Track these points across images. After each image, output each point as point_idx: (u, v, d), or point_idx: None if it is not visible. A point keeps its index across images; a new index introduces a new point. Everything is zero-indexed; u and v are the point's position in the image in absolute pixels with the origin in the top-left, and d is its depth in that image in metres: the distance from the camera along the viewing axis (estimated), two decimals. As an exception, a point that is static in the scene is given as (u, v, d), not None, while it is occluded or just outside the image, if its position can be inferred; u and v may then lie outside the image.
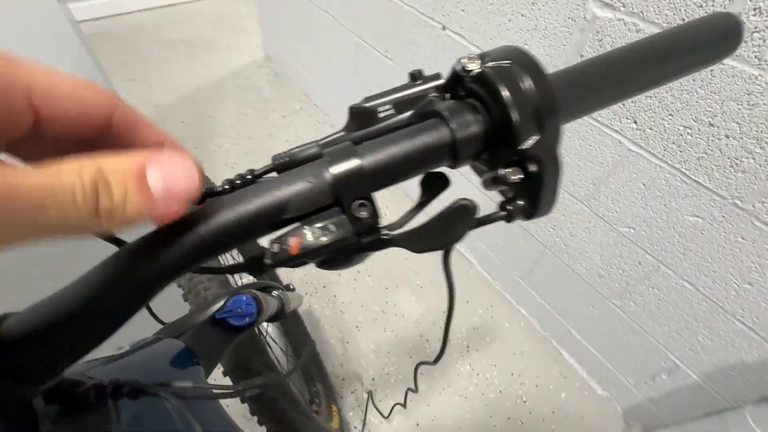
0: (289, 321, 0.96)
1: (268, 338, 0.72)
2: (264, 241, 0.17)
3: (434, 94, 0.19)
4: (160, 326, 0.36)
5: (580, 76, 0.19)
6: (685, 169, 0.67)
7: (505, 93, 0.16)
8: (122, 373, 0.20)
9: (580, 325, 1.06)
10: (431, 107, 0.17)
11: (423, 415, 1.02)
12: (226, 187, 0.19)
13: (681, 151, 0.66)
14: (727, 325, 0.73)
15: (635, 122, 0.70)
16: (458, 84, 0.18)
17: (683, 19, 0.58)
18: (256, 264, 0.17)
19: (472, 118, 0.17)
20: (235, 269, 0.19)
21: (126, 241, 0.17)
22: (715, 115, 0.60)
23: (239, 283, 0.82)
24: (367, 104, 0.19)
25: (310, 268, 1.29)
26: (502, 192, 0.19)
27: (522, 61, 0.16)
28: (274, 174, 0.19)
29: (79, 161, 0.11)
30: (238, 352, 0.49)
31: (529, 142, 0.16)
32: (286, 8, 1.65)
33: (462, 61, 0.17)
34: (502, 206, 0.18)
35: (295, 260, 0.16)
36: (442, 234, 0.17)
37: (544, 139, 0.16)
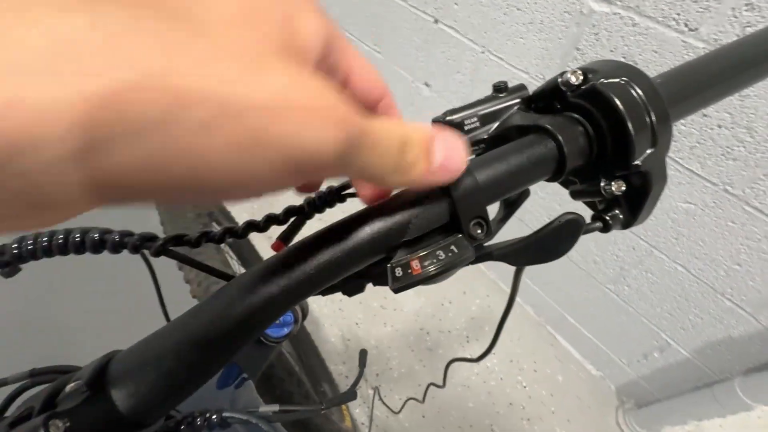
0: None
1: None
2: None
3: (519, 107, 0.19)
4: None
5: (683, 81, 0.19)
6: (679, 158, 0.70)
7: (621, 108, 0.16)
8: (208, 406, 0.19)
9: (574, 310, 1.10)
10: (534, 122, 0.17)
11: (428, 407, 1.03)
12: (307, 207, 0.18)
13: (675, 141, 0.69)
14: (716, 304, 0.77)
15: (630, 114, 0.72)
16: (555, 98, 0.18)
17: (678, 14, 0.60)
18: (359, 285, 0.17)
19: (579, 133, 0.17)
20: (353, 291, 0.18)
21: (233, 275, 0.16)
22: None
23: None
24: (453, 117, 0.18)
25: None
26: (600, 204, 0.19)
27: (633, 76, 0.17)
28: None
29: (394, 123, 0.13)
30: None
31: (644, 157, 0.16)
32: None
33: (566, 75, 0.17)
34: (598, 217, 0.19)
35: (418, 283, 0.15)
36: (550, 248, 0.17)
37: (657, 152, 0.16)
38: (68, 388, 0.13)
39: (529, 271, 0.97)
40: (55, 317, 0.90)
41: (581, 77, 0.17)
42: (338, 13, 1.26)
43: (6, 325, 0.83)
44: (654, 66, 0.65)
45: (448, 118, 0.18)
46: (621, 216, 0.19)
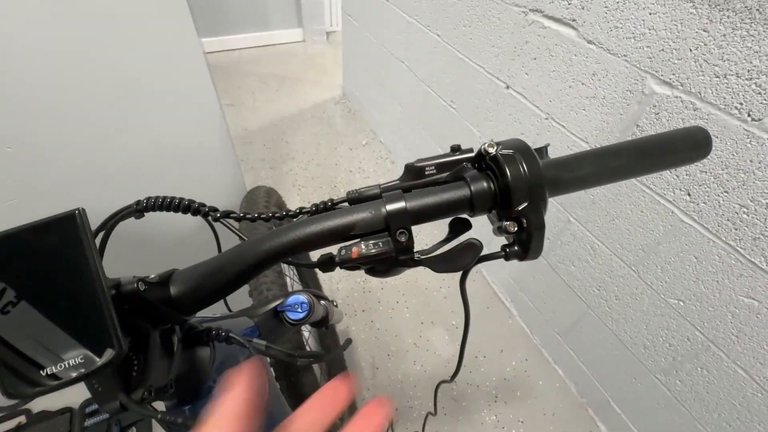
0: (328, 335, 1.03)
1: (307, 346, 0.79)
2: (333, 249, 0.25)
3: (466, 163, 0.26)
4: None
5: (566, 164, 0.25)
6: (740, 248, 0.66)
7: (509, 171, 0.22)
8: (223, 327, 0.28)
9: (620, 396, 1.00)
10: (461, 173, 0.24)
11: (441, 457, 1.01)
12: (314, 208, 0.27)
13: (736, 229, 0.65)
14: (785, 424, 0.67)
15: (689, 194, 0.70)
16: (482, 159, 0.25)
17: (741, 103, 0.60)
18: (328, 263, 0.25)
19: (486, 185, 0.24)
20: (313, 265, 0.26)
21: (245, 238, 0.25)
22: (773, 198, 0.60)
23: (293, 288, 0.92)
24: (418, 164, 0.26)
25: (353, 292, 1.36)
26: (507, 238, 0.25)
27: (523, 152, 0.23)
28: (346, 204, 0.27)
29: None
30: (286, 346, 0.56)
31: (522, 206, 0.22)
32: (367, 55, 1.85)
33: (484, 146, 0.24)
34: (503, 248, 0.24)
35: (353, 263, 0.23)
36: (455, 261, 0.24)
37: (531, 204, 0.22)
38: (150, 276, 0.23)
39: (575, 342, 0.98)
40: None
41: (495, 147, 0.24)
42: (424, 73, 1.41)
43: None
44: (715, 152, 0.65)
45: (416, 164, 0.26)
46: (517, 250, 0.24)
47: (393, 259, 0.23)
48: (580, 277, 1.00)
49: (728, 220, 0.66)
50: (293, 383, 0.57)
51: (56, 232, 0.19)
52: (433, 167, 0.26)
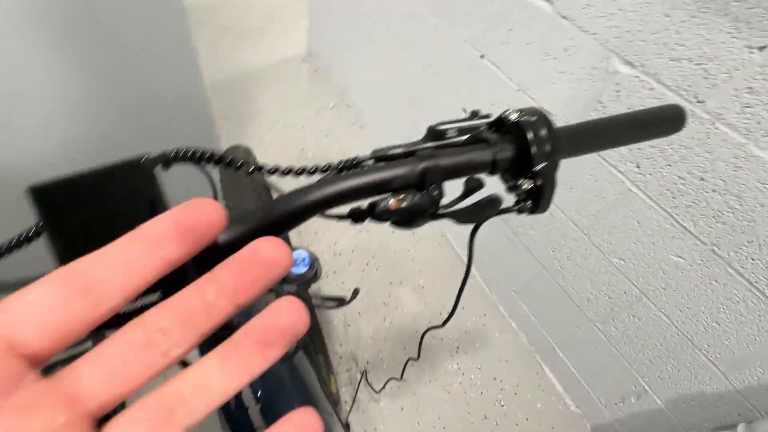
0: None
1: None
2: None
3: (485, 127, 0.29)
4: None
5: (576, 132, 0.30)
6: (675, 214, 0.76)
7: (530, 136, 0.26)
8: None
9: (563, 342, 1.14)
10: (482, 136, 0.27)
11: (408, 400, 1.11)
12: (341, 165, 0.29)
13: (674, 198, 0.75)
14: (693, 358, 0.82)
15: (638, 167, 0.79)
16: (503, 124, 0.28)
17: (689, 86, 0.68)
18: (359, 215, 0.27)
19: (508, 146, 0.27)
20: (345, 218, 0.28)
21: (282, 192, 0.27)
22: (706, 171, 0.69)
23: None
24: (440, 127, 0.29)
25: (323, 254, 1.38)
26: (518, 195, 0.29)
27: (543, 119, 0.27)
28: (371, 161, 0.29)
29: None
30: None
31: (540, 167, 0.26)
32: (336, 12, 1.77)
33: (507, 111, 0.27)
34: (517, 203, 0.28)
35: (392, 215, 0.26)
36: (478, 214, 0.27)
37: (548, 166, 0.26)
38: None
39: (529, 298, 1.08)
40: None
41: (517, 114, 0.27)
42: (399, 36, 1.39)
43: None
44: (663, 128, 0.73)
45: (438, 127, 0.29)
46: (529, 204, 0.28)
47: (424, 211, 0.26)
48: (537, 240, 1.10)
49: (668, 189, 0.76)
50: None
51: (126, 177, 0.19)
52: (456, 131, 0.29)
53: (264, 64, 2.09)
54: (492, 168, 0.27)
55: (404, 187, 0.26)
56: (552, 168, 0.26)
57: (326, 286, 1.31)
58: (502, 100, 1.06)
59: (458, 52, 1.14)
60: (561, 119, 0.91)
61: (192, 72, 0.73)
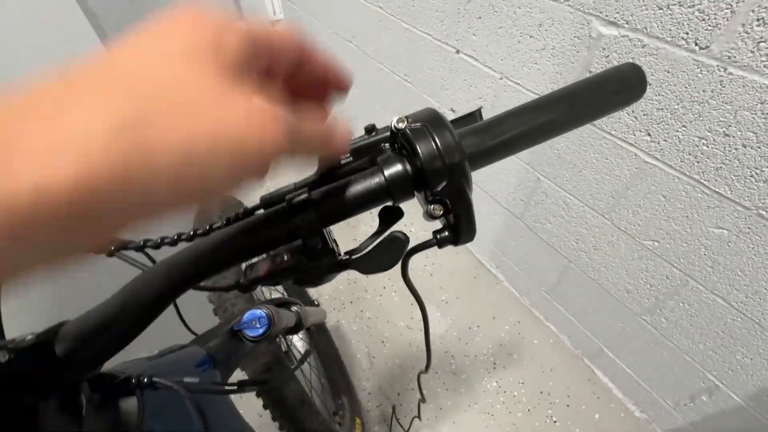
0: (316, 335, 1.01)
1: (293, 350, 0.77)
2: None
3: (384, 144, 0.23)
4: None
5: (488, 129, 0.22)
6: (705, 180, 0.65)
7: (418, 149, 0.19)
8: (148, 371, 0.25)
9: (611, 342, 1.02)
10: (375, 157, 0.21)
11: (447, 431, 1.02)
12: (225, 221, 0.24)
13: (698, 162, 0.65)
14: (766, 343, 0.68)
15: (649, 134, 0.69)
16: (395, 138, 0.22)
17: (687, 33, 0.58)
18: (238, 285, 0.22)
19: (400, 167, 0.20)
20: (222, 288, 0.23)
21: (142, 269, 0.22)
22: (730, 125, 0.59)
23: (272, 295, 0.88)
24: None
25: (338, 285, 1.34)
26: (440, 222, 0.22)
27: (434, 123, 0.20)
28: (262, 210, 0.24)
29: (311, 123, 0.17)
30: (261, 363, 0.54)
31: (440, 186, 0.19)
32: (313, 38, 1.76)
33: (393, 121, 0.21)
34: (434, 235, 0.22)
35: (265, 280, 0.20)
36: (382, 260, 0.21)
37: (451, 183, 0.19)
38: (27, 337, 0.20)
39: (562, 297, 0.97)
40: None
41: (405, 122, 0.21)
42: (373, 49, 1.36)
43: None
44: (668, 86, 0.63)
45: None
46: (448, 234, 0.21)
47: (312, 268, 0.20)
48: (557, 233, 1.00)
49: (689, 154, 0.65)
50: (277, 400, 0.55)
51: None
52: (348, 154, 0.23)
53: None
54: (389, 195, 0.21)
55: (275, 245, 0.20)
56: (458, 184, 0.20)
57: (344, 318, 1.25)
58: (487, 93, 0.98)
59: (432, 53, 1.08)
60: (552, 100, 0.82)
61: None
